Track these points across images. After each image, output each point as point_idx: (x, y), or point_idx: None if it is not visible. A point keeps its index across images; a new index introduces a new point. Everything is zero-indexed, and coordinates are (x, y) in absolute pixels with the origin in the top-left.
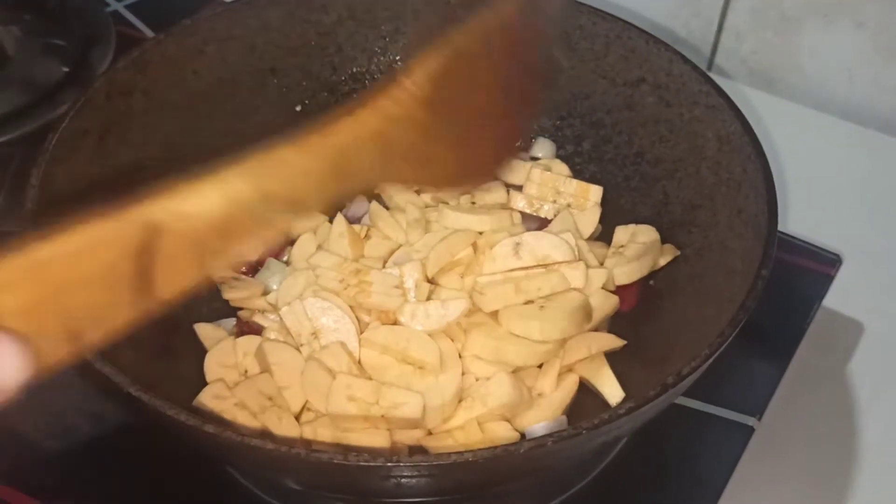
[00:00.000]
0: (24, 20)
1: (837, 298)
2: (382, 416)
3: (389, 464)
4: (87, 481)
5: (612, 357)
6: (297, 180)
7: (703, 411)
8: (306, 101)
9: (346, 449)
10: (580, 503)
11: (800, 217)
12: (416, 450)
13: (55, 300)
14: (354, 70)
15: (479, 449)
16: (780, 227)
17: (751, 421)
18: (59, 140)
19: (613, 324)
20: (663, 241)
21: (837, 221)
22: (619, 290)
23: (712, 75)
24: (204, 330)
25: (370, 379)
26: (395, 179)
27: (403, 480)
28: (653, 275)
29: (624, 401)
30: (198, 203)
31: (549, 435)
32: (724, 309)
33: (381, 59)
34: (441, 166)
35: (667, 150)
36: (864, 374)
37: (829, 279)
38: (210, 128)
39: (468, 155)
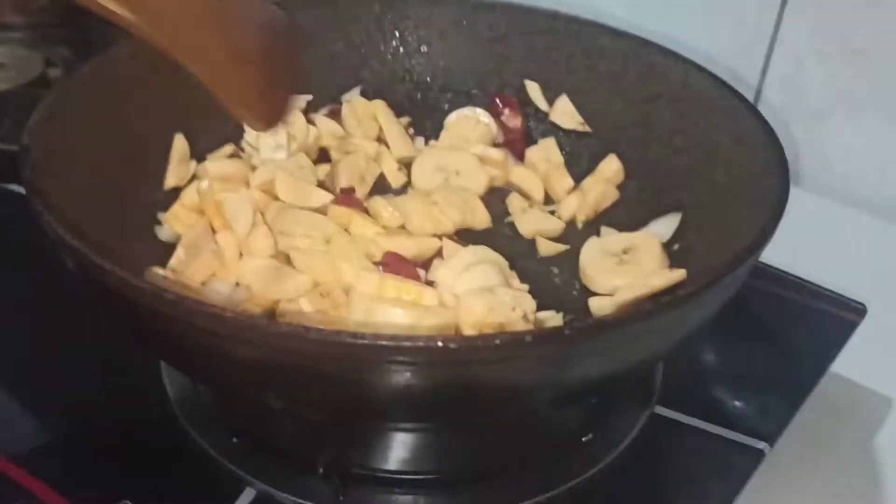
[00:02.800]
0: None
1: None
2: None
3: (422, 344)
4: None
5: None
6: None
7: (715, 434)
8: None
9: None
10: None
11: None
12: None
13: None
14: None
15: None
16: None
17: (760, 445)
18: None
19: None
20: (673, 241)
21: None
22: None
23: None
24: None
25: None
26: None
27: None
28: None
29: None
30: None
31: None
32: None
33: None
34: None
35: (681, 160)
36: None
37: (853, 326)
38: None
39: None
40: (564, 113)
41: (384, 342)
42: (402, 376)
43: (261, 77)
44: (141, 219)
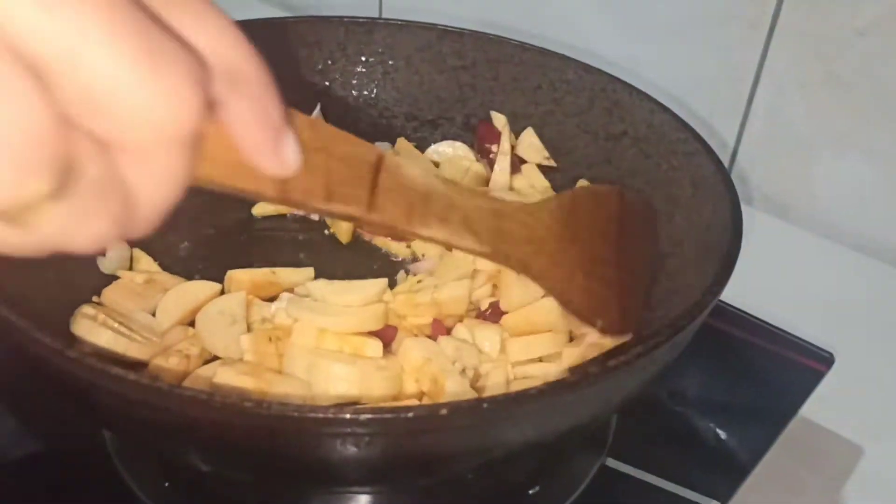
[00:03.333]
0: None
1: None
2: None
3: (331, 415)
4: None
5: None
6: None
7: (666, 490)
8: None
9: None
10: None
11: None
12: None
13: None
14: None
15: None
16: None
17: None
18: None
19: None
20: None
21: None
22: None
23: None
24: None
25: None
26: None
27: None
28: None
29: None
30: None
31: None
32: None
33: (365, 97)
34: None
35: None
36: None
37: (820, 375)
38: None
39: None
40: (530, 146)
41: (290, 413)
42: (313, 445)
43: (616, 277)
44: None
